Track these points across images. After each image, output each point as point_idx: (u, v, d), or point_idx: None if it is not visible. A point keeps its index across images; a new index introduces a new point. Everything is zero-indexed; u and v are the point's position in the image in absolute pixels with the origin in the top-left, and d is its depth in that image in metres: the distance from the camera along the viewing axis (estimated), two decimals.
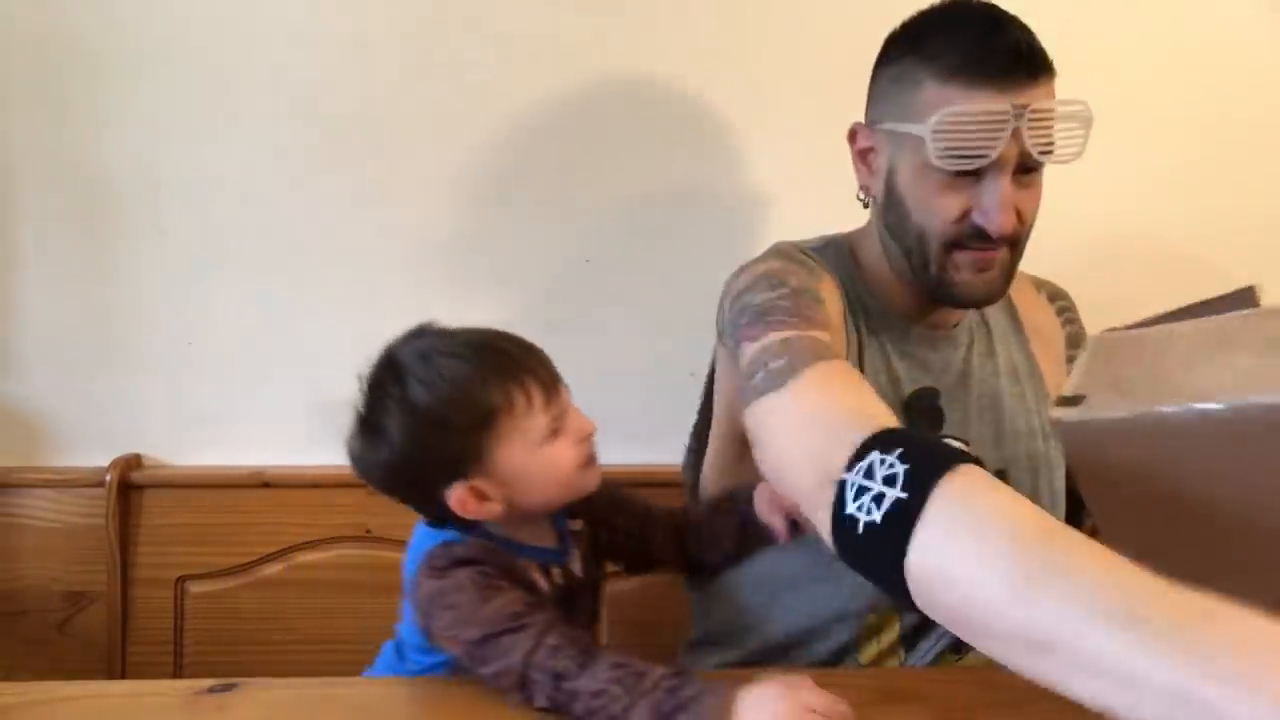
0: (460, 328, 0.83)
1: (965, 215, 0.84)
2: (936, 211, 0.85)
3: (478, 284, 1.30)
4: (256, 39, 1.24)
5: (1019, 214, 0.84)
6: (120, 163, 1.26)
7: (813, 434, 0.69)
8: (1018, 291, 1.02)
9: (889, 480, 0.59)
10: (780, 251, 0.94)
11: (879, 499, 0.58)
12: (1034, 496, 0.58)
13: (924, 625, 0.93)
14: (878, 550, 0.59)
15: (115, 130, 1.25)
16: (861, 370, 0.92)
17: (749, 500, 0.89)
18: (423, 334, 0.82)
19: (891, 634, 0.94)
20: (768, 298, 0.85)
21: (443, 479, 0.78)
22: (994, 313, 1.01)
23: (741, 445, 0.89)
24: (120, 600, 1.25)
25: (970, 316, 0.99)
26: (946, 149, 0.80)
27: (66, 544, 1.26)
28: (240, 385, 1.30)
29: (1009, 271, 0.89)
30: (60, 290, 1.28)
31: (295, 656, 1.26)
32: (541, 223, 1.29)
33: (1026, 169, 0.84)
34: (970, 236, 0.85)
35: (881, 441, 0.61)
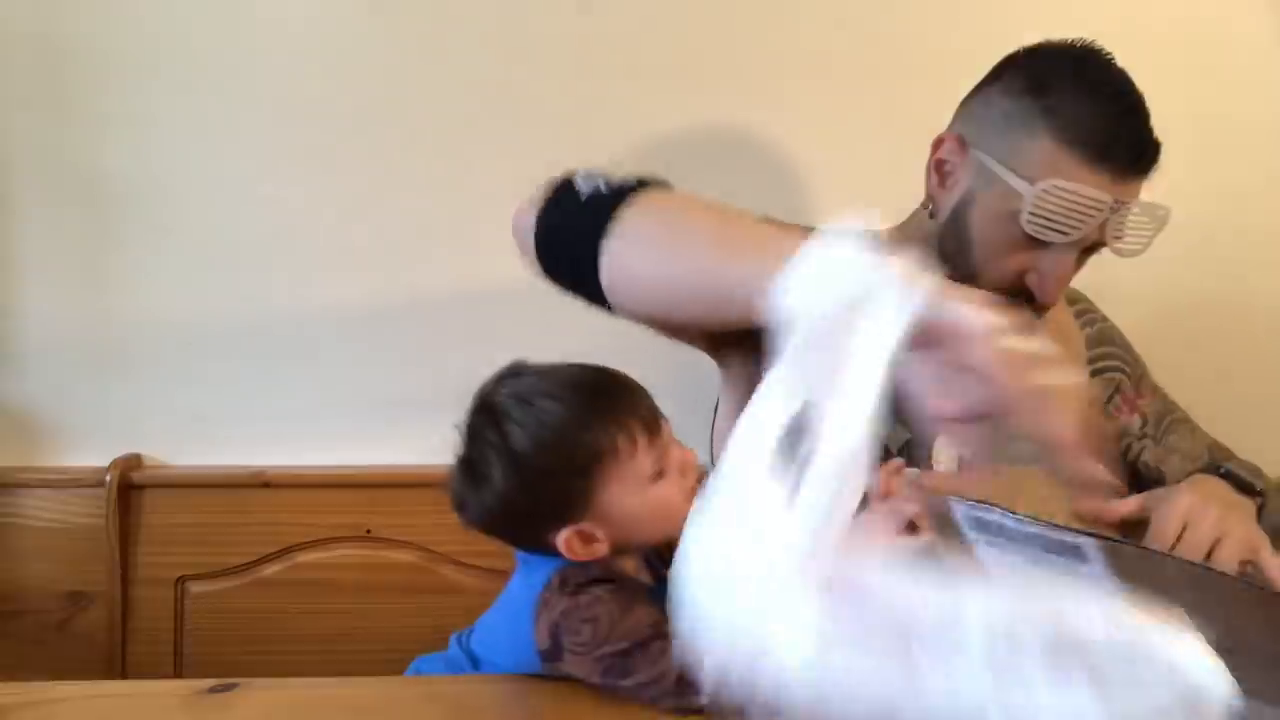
0: (556, 365, 0.81)
1: (1021, 274, 0.85)
2: (999, 263, 0.86)
3: (478, 284, 1.30)
4: (257, 39, 1.24)
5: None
6: (120, 163, 1.26)
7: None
8: None
9: (619, 176, 0.74)
10: None
11: (607, 180, 0.73)
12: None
13: None
14: (589, 214, 0.71)
15: (115, 130, 1.25)
16: None
17: None
18: (519, 374, 0.81)
19: None
20: None
21: (549, 524, 0.77)
22: None
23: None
24: (120, 600, 1.25)
25: None
26: (1042, 219, 0.80)
27: (66, 544, 1.26)
28: (240, 385, 1.30)
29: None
30: (60, 290, 1.28)
31: (295, 656, 1.26)
32: None
33: (1088, 252, 0.86)
34: (1016, 292, 0.86)
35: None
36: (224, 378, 1.30)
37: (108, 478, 1.24)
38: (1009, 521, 0.53)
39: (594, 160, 1.28)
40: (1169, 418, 1.00)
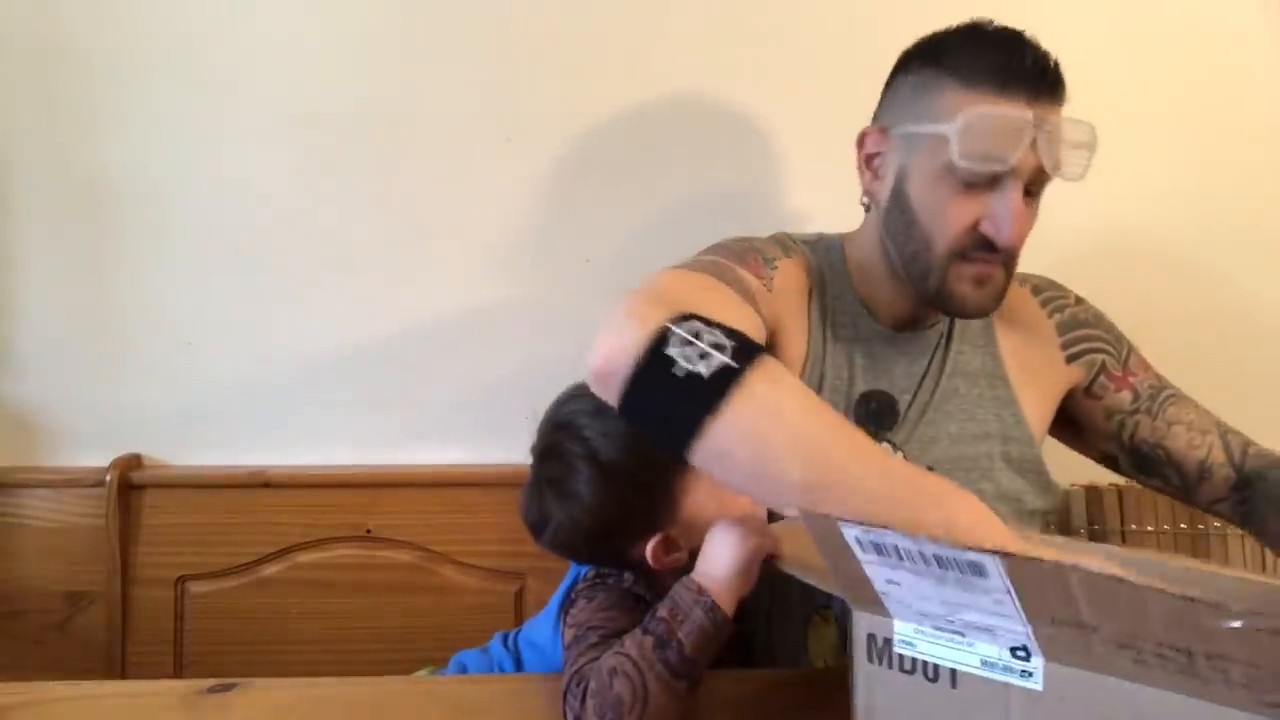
0: None
1: (974, 225, 0.86)
2: (947, 219, 0.87)
3: (477, 284, 1.30)
4: (256, 39, 1.24)
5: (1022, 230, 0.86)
6: (120, 163, 1.26)
7: (650, 290, 0.75)
8: None
9: (717, 346, 0.65)
10: (773, 234, 1.00)
11: (705, 356, 0.65)
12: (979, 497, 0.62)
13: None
14: (688, 400, 0.64)
15: (115, 130, 1.25)
16: (824, 361, 0.95)
17: None
18: (580, 393, 0.82)
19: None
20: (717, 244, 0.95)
21: (638, 532, 0.78)
22: None
23: None
24: (120, 600, 1.25)
25: (943, 319, 1.00)
26: (972, 149, 0.82)
27: (66, 544, 1.26)
28: (240, 385, 1.30)
29: (1003, 292, 0.91)
30: (60, 290, 1.28)
31: (295, 656, 1.26)
32: (542, 223, 1.29)
33: (1032, 191, 0.86)
34: (976, 246, 0.87)
35: (703, 318, 0.68)
36: (224, 378, 1.30)
37: (108, 478, 1.24)
38: (903, 541, 0.54)
39: (596, 160, 1.30)
40: (1164, 392, 1.00)
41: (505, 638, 0.93)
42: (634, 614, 0.75)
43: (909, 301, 0.95)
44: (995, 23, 0.87)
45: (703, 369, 0.64)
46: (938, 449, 0.95)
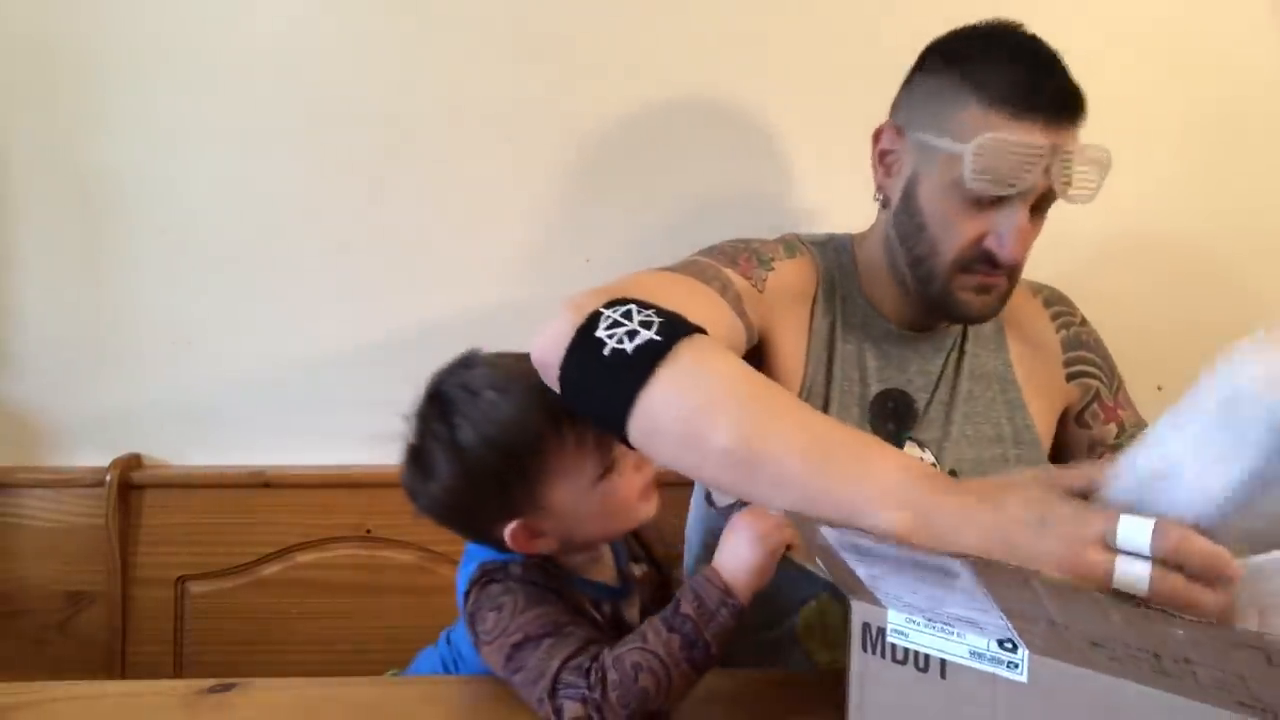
0: (508, 355, 0.81)
1: (979, 239, 0.87)
2: (953, 231, 0.87)
3: (477, 284, 1.30)
4: (256, 39, 1.24)
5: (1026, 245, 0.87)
6: (120, 162, 1.26)
7: (605, 286, 0.75)
8: (1012, 297, 1.02)
9: (645, 324, 0.66)
10: (781, 235, 1.00)
11: (633, 334, 0.66)
12: None
13: None
14: (616, 379, 0.65)
15: (115, 130, 1.25)
16: (832, 363, 0.94)
17: None
18: (470, 364, 0.81)
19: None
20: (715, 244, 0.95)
21: (494, 518, 0.77)
22: None
23: None
24: (120, 600, 1.25)
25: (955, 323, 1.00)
26: (983, 172, 0.82)
27: (66, 544, 1.26)
28: (240, 385, 1.30)
29: (1006, 297, 0.91)
30: (60, 290, 1.28)
31: (295, 656, 1.26)
32: (542, 223, 1.29)
33: (1041, 207, 0.87)
34: (979, 260, 0.87)
35: (638, 301, 0.69)
36: (224, 378, 1.30)
37: (108, 478, 1.24)
38: (879, 547, 0.55)
39: (596, 160, 1.29)
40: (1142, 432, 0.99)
41: (448, 634, 0.91)
42: (550, 600, 0.75)
43: (913, 304, 0.95)
44: (1022, 29, 0.86)
45: (628, 346, 0.65)
46: (961, 450, 0.95)
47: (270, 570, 1.27)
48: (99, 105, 1.25)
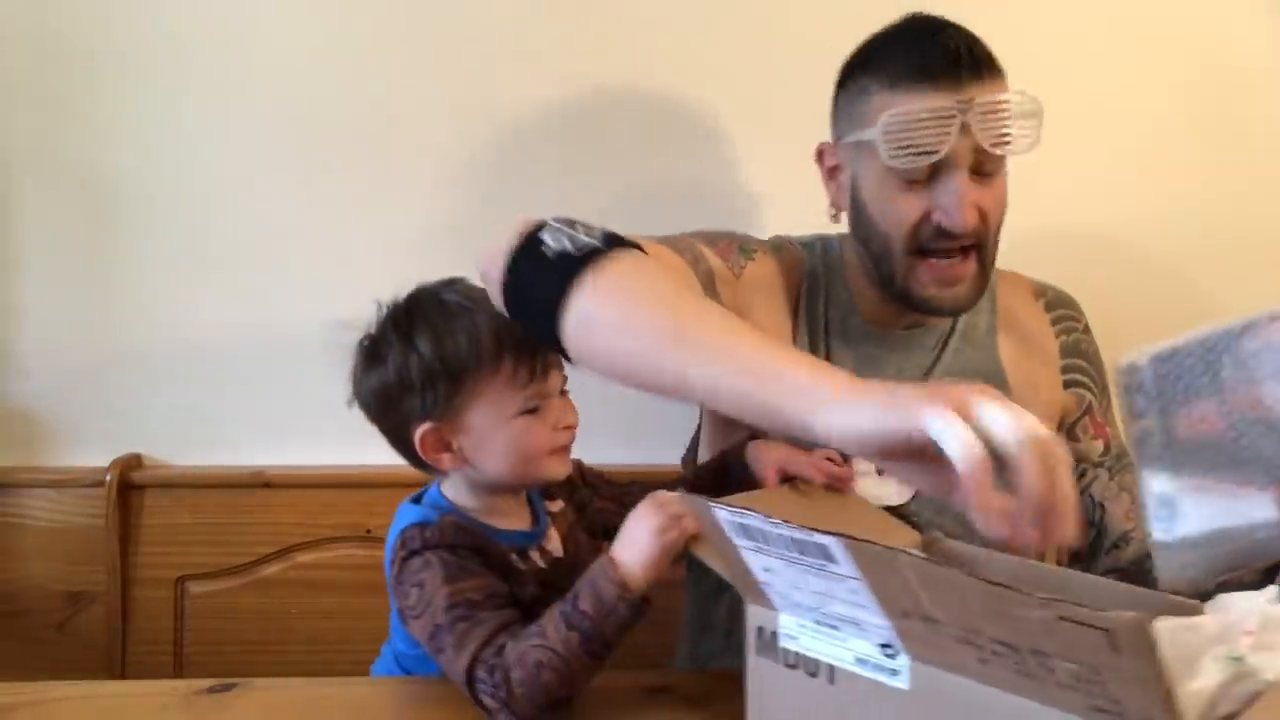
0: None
1: (926, 217, 0.87)
2: (898, 215, 0.88)
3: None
4: (256, 39, 1.24)
5: (981, 214, 0.86)
6: (120, 163, 1.26)
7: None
8: (1011, 296, 1.02)
9: (588, 234, 0.71)
10: (772, 236, 1.02)
11: (574, 240, 0.71)
12: None
13: None
14: (556, 274, 0.69)
15: (115, 130, 1.25)
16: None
17: (740, 456, 0.90)
18: (453, 283, 0.86)
19: None
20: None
21: (415, 415, 0.80)
22: (972, 315, 1.00)
23: (727, 426, 0.93)
24: (120, 600, 1.25)
25: (943, 319, 0.99)
26: (896, 147, 0.83)
27: (66, 544, 1.26)
28: (240, 385, 1.30)
29: (979, 283, 0.91)
30: (61, 290, 1.28)
31: (295, 656, 1.26)
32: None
33: (985, 171, 0.86)
34: (933, 238, 0.87)
35: (584, 223, 0.73)
36: (224, 378, 1.30)
37: (108, 478, 1.24)
38: (764, 525, 0.55)
39: (597, 160, 1.29)
40: (1126, 458, 0.97)
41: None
42: (469, 569, 0.76)
43: (890, 304, 0.95)
44: (921, 14, 0.88)
45: (570, 247, 0.70)
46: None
47: (270, 570, 1.27)
48: (100, 105, 1.25)
